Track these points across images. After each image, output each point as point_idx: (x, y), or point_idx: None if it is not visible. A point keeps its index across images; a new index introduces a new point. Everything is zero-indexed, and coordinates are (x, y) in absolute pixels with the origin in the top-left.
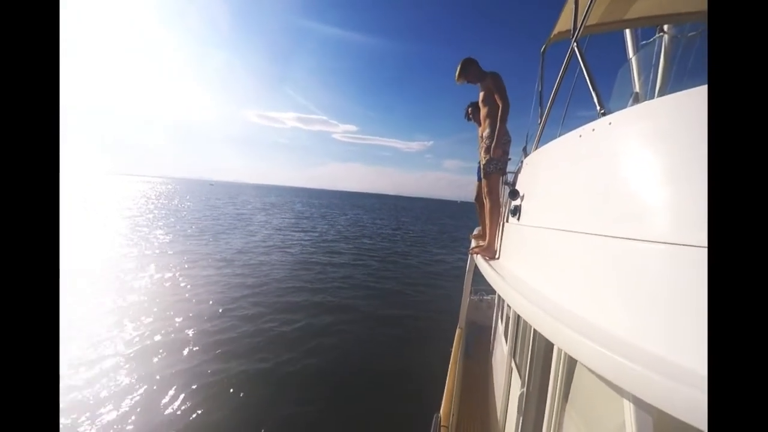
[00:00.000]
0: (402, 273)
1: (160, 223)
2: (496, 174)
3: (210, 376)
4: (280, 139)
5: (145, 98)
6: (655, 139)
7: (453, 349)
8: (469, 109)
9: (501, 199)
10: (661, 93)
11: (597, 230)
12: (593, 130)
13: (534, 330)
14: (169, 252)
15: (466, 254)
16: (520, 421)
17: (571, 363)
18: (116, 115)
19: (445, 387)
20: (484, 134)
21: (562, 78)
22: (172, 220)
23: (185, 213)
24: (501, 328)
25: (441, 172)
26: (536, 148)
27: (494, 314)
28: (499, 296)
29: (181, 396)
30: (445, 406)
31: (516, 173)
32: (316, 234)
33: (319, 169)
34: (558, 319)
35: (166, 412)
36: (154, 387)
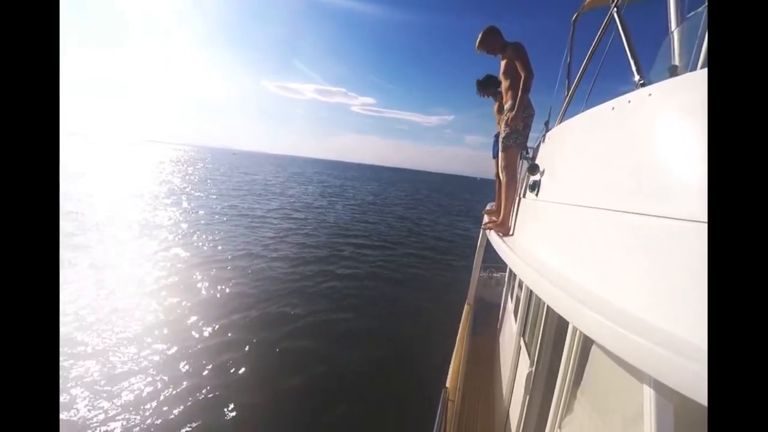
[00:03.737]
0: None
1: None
2: (516, 149)
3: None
4: (299, 110)
5: (168, 69)
6: (700, 113)
7: (461, 325)
8: (480, 85)
9: (518, 175)
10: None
11: (625, 207)
12: (629, 101)
13: (546, 309)
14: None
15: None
16: (527, 400)
17: (586, 345)
18: (142, 84)
19: (452, 362)
20: (506, 106)
21: (596, 46)
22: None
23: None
24: (510, 305)
25: (461, 147)
26: (560, 122)
27: (504, 291)
28: (510, 273)
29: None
30: (452, 381)
31: (536, 147)
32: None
33: (337, 141)
34: (575, 298)
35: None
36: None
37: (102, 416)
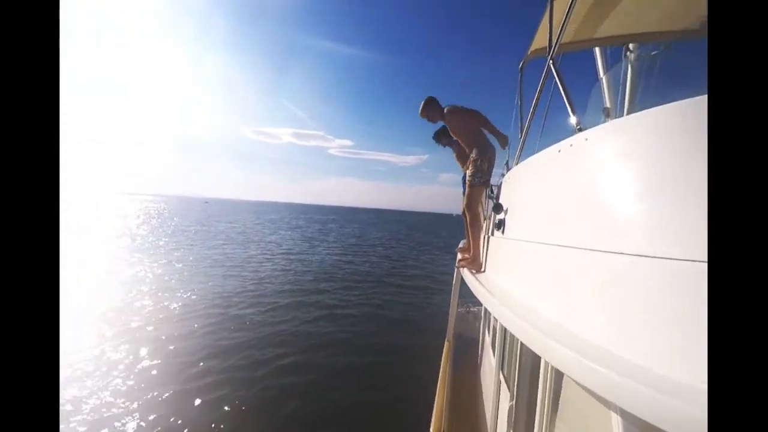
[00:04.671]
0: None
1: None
2: (480, 186)
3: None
4: (275, 154)
5: (140, 115)
6: (630, 154)
7: (442, 363)
8: (436, 136)
9: (484, 212)
10: (631, 110)
11: (577, 243)
12: (571, 145)
13: (521, 343)
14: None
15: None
16: None
17: (559, 375)
18: (113, 135)
19: (435, 403)
20: (472, 156)
21: (540, 93)
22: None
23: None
24: (488, 340)
25: (436, 185)
26: (517, 163)
27: (481, 326)
28: (485, 308)
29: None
30: (435, 423)
31: (499, 187)
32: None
33: (315, 184)
34: (545, 333)
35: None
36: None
37: None
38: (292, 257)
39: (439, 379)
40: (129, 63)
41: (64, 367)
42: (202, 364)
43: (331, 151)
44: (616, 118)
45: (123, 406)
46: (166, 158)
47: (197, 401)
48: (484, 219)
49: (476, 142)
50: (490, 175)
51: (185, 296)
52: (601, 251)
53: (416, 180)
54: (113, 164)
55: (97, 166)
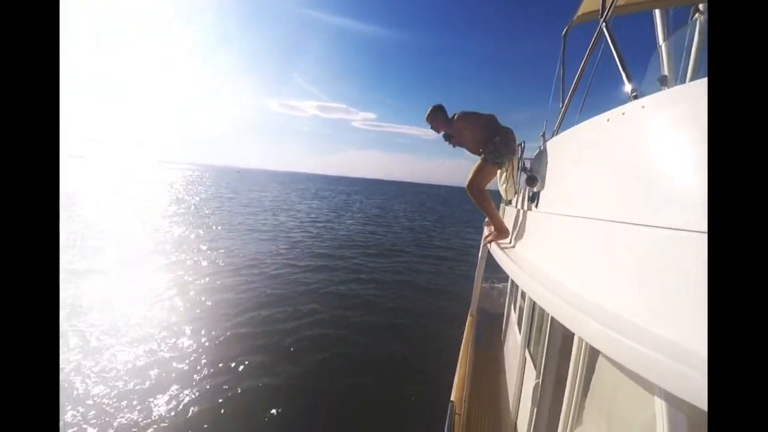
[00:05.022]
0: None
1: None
2: (493, 167)
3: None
4: (301, 127)
5: (175, 90)
6: (691, 124)
7: (464, 337)
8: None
9: (483, 187)
10: (694, 78)
11: (623, 218)
12: (623, 114)
13: (551, 320)
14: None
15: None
16: (535, 412)
17: (592, 355)
18: (148, 106)
19: (456, 374)
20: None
21: (588, 59)
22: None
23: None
24: (514, 316)
25: (463, 159)
26: (557, 134)
27: (506, 302)
28: (511, 284)
29: None
30: (457, 394)
31: (534, 159)
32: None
33: (339, 156)
34: (581, 310)
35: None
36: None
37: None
38: (319, 225)
39: (461, 351)
40: (159, 43)
41: (139, 314)
42: (242, 315)
43: (354, 124)
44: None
45: (171, 343)
46: (201, 131)
47: (238, 347)
48: (515, 193)
49: (492, 134)
50: (505, 158)
51: (227, 257)
52: (648, 226)
53: (440, 153)
54: (154, 135)
55: (141, 136)
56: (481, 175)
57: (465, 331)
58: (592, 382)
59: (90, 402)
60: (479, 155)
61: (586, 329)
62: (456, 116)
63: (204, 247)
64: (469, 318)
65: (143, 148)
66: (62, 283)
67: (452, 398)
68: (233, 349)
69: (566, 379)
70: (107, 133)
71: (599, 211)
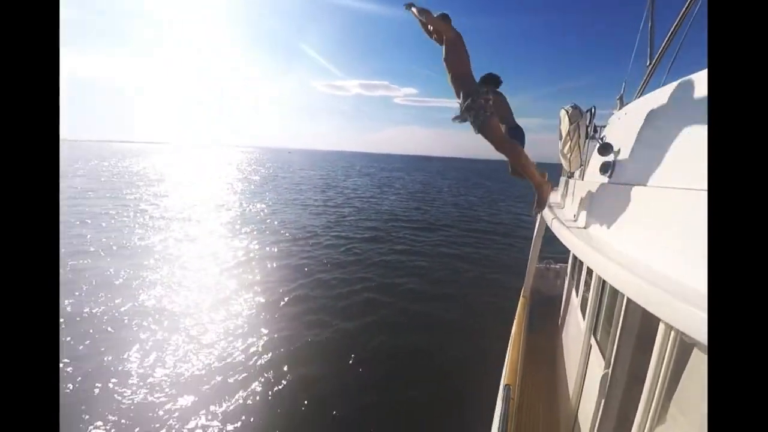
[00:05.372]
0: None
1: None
2: (493, 118)
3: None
4: (345, 106)
5: (223, 77)
6: None
7: (516, 319)
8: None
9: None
10: None
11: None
12: None
13: (625, 304)
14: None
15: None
16: (602, 405)
17: (683, 347)
18: (201, 92)
19: (507, 357)
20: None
21: (684, 15)
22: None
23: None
24: (576, 300)
25: None
26: (640, 96)
27: (566, 284)
28: (574, 264)
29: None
30: (509, 377)
31: (608, 125)
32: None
33: (380, 134)
34: (668, 291)
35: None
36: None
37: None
38: (364, 200)
39: (513, 334)
40: (206, 35)
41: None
42: (302, 279)
43: (396, 100)
44: None
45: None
46: (255, 114)
47: (299, 306)
48: (581, 164)
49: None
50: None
51: (285, 229)
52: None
53: None
54: (216, 119)
55: (203, 121)
56: (492, 130)
57: (517, 313)
58: (681, 381)
59: (186, 322)
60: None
61: (679, 317)
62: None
63: (267, 220)
64: (521, 299)
65: (213, 133)
66: (167, 248)
67: (505, 381)
68: (296, 306)
69: (644, 372)
70: (186, 120)
71: (691, 181)
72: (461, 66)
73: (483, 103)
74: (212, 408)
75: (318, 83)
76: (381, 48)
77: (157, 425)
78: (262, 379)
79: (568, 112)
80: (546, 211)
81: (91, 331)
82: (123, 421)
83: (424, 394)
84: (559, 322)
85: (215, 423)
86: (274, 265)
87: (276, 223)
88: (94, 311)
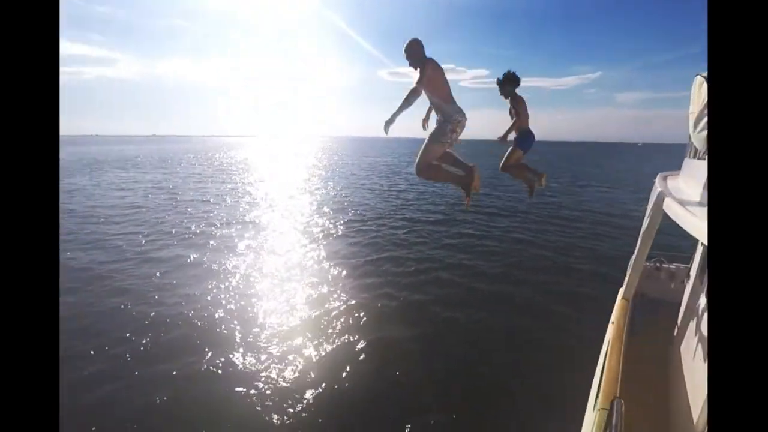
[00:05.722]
0: None
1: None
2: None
3: None
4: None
5: (291, 70)
6: None
7: (614, 323)
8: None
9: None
10: None
11: None
12: None
13: None
14: None
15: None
16: None
17: None
18: (266, 88)
19: (605, 364)
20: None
21: None
22: None
23: None
24: (702, 304)
25: (610, 108)
26: None
27: (688, 288)
28: (704, 264)
29: None
30: (609, 389)
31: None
32: None
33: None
34: None
35: None
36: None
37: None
38: (428, 185)
39: (610, 339)
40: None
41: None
42: (372, 255)
43: (462, 84)
44: None
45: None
46: (329, 106)
47: (371, 278)
48: None
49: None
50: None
51: (355, 211)
52: None
53: (578, 104)
54: (293, 113)
55: (283, 114)
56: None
57: (615, 316)
58: None
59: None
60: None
61: None
62: (428, 59)
63: (340, 202)
64: (620, 302)
65: (291, 126)
66: (263, 224)
67: (604, 391)
68: (367, 278)
69: None
70: (269, 114)
71: None
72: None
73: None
74: (292, 355)
75: (383, 72)
76: (443, 30)
77: (261, 360)
78: (340, 335)
79: (706, 80)
80: (668, 201)
81: (220, 276)
82: (241, 349)
83: (489, 369)
84: (675, 332)
85: (302, 368)
86: (347, 242)
87: (347, 204)
88: (223, 265)
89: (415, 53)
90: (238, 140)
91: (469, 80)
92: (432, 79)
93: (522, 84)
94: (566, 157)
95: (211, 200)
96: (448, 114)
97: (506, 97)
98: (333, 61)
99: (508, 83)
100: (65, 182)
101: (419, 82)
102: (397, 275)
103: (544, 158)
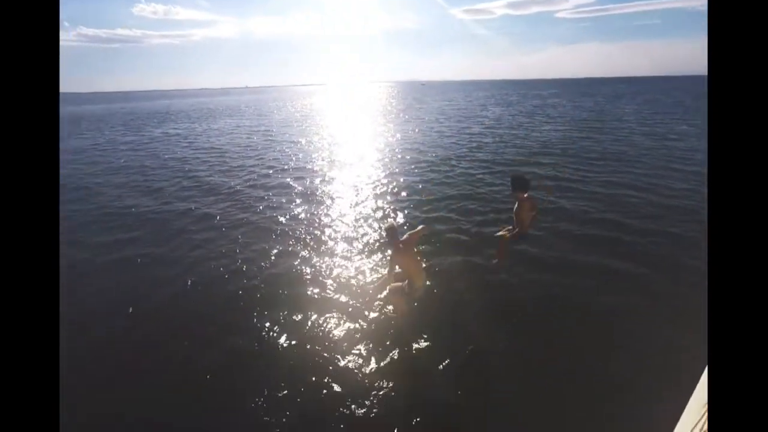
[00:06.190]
0: None
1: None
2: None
3: None
4: (485, 31)
5: (364, 15)
6: None
7: None
8: None
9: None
10: None
11: None
12: None
13: None
14: None
15: None
16: None
17: None
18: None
19: None
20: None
21: None
22: None
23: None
24: None
25: None
26: None
27: None
28: None
29: None
30: None
31: None
32: None
33: (533, 57)
34: None
35: None
36: None
37: None
38: (503, 130)
39: None
40: None
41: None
42: (438, 201)
43: (560, 15)
44: None
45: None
46: (390, 51)
47: (439, 225)
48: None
49: None
50: None
51: (421, 154)
52: None
53: (702, 30)
54: (361, 58)
55: (354, 61)
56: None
57: None
58: None
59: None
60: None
61: None
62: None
63: (405, 145)
64: None
65: (358, 73)
66: (337, 166)
67: None
68: (432, 222)
69: None
70: (337, 62)
71: None
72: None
73: None
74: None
75: (456, 10)
76: None
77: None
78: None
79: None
80: None
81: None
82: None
83: (557, 327)
84: None
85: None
86: (411, 183)
87: (412, 149)
88: (318, 188)
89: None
90: (311, 89)
91: (569, 10)
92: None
93: (637, 8)
94: (701, 93)
95: (302, 141)
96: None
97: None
98: (400, 3)
99: (517, 187)
100: (193, 126)
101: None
102: (467, 224)
103: (670, 96)
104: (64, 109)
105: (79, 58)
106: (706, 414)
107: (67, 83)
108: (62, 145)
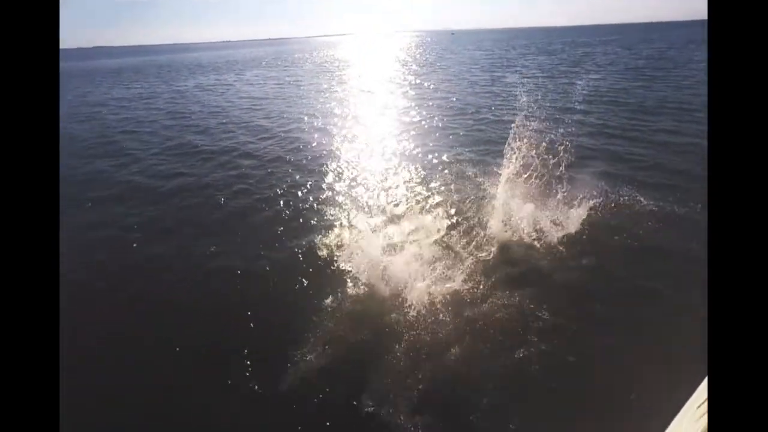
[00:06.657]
0: None
1: None
2: None
3: None
4: None
5: None
6: None
7: None
8: None
9: None
10: None
11: None
12: None
13: None
14: None
15: None
16: None
17: None
18: None
19: None
20: None
21: None
22: None
23: None
24: None
25: None
26: None
27: None
28: None
29: None
30: None
31: None
32: None
33: (581, 2)
34: None
35: None
36: None
37: None
38: (546, 79)
39: None
40: None
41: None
42: (468, 146)
43: None
44: None
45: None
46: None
47: (458, 167)
48: None
49: None
50: None
51: (450, 104)
52: None
53: None
54: (385, 9)
55: (380, 10)
56: None
57: None
58: None
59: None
60: None
61: None
62: None
63: (436, 95)
64: None
65: (385, 22)
66: (364, 112)
67: None
68: (457, 166)
69: None
70: (363, 12)
71: None
72: None
73: None
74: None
75: None
76: None
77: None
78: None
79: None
80: None
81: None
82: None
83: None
84: None
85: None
86: (438, 134)
87: (443, 99)
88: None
89: None
90: (337, 39)
91: None
92: None
93: None
94: None
95: (327, 87)
96: None
97: None
98: None
99: None
100: (221, 78)
101: None
102: (492, 166)
103: None
104: (98, 63)
105: (104, 10)
106: (706, 414)
107: (97, 36)
108: (113, 93)
